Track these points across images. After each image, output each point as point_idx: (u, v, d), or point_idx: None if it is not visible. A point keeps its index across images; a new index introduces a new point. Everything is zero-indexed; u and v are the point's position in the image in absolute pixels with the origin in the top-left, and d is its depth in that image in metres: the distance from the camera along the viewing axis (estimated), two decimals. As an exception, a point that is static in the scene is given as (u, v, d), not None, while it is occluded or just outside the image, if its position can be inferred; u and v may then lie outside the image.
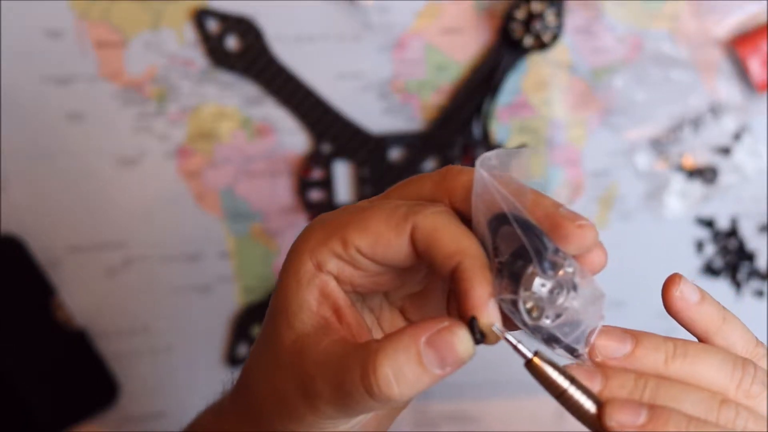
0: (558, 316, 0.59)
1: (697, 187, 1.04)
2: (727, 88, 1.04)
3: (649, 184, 1.04)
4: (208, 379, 1.03)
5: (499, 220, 0.59)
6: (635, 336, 0.60)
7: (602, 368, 0.60)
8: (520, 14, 1.01)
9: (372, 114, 1.03)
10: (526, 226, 0.58)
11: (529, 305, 0.58)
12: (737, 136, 1.04)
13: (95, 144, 1.02)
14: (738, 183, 1.04)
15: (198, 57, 1.02)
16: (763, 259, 1.04)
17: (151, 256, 1.03)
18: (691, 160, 1.04)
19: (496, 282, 0.58)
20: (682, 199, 1.04)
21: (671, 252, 1.05)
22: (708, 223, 1.05)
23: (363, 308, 0.67)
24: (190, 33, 1.02)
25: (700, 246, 1.05)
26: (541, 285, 0.58)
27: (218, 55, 1.02)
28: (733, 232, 1.05)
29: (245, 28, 1.02)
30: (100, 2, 1.01)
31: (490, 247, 0.59)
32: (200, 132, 1.02)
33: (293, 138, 1.03)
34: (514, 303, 0.58)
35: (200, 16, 1.01)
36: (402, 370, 0.58)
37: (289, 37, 1.02)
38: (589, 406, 0.58)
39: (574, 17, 1.03)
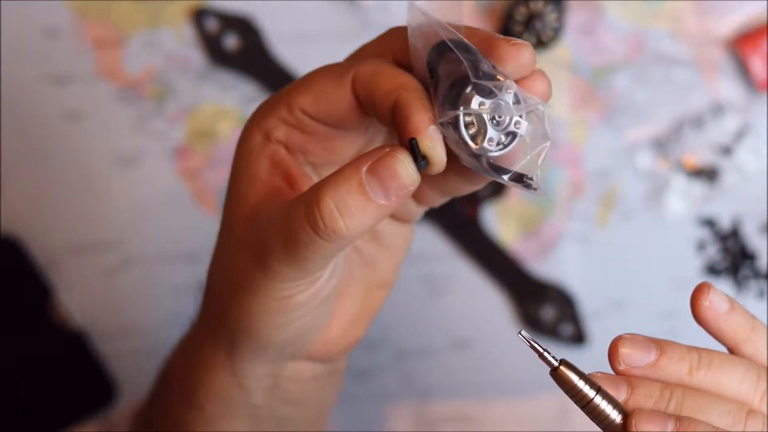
0: (504, 146, 0.57)
1: (698, 186, 1.04)
2: (728, 88, 1.03)
3: (650, 184, 1.04)
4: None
5: (438, 49, 0.58)
6: (659, 345, 0.59)
7: (627, 377, 0.58)
8: (520, 14, 1.00)
9: (372, 113, 1.03)
10: (464, 49, 0.57)
11: (468, 120, 0.57)
12: (739, 136, 1.03)
13: (94, 144, 1.02)
14: (739, 183, 1.04)
15: (197, 56, 1.02)
16: (764, 259, 1.04)
17: (150, 256, 1.02)
18: (692, 160, 1.04)
19: (437, 112, 0.57)
20: (683, 199, 1.04)
21: (672, 252, 1.04)
22: (709, 223, 1.04)
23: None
24: (189, 32, 1.01)
25: (701, 246, 1.05)
26: (479, 104, 0.57)
27: (217, 55, 1.01)
28: (734, 232, 1.04)
29: (244, 27, 1.02)
30: (98, 1, 1.01)
31: (431, 86, 0.58)
32: (199, 131, 1.02)
33: (293, 137, 1.03)
34: (456, 125, 0.57)
35: (199, 16, 1.01)
36: (344, 201, 0.57)
37: (288, 37, 1.02)
38: (615, 416, 0.57)
39: (574, 16, 1.02)
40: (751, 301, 1.04)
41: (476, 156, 0.58)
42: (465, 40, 0.58)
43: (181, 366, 0.73)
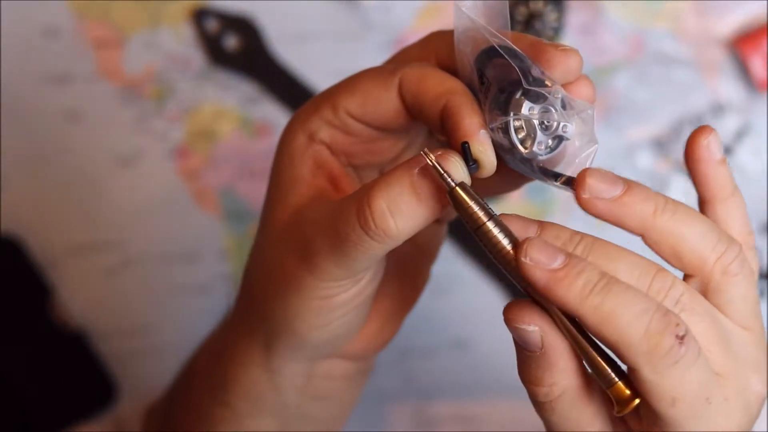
0: (551, 149, 0.58)
1: (698, 186, 1.04)
2: (728, 88, 1.03)
3: (650, 184, 1.03)
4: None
5: (487, 54, 0.59)
6: (627, 183, 0.59)
7: (539, 222, 0.58)
8: (520, 14, 1.00)
9: (372, 113, 1.03)
10: (513, 55, 0.58)
11: (518, 125, 0.57)
12: (739, 136, 1.03)
13: (94, 143, 1.02)
14: (739, 183, 1.03)
15: (197, 56, 1.02)
16: (764, 259, 1.04)
17: (150, 256, 1.02)
18: (692, 160, 1.04)
19: (486, 116, 0.58)
20: (683, 199, 1.04)
21: (672, 252, 1.04)
22: (709, 223, 1.04)
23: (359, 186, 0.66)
24: (188, 32, 1.02)
25: (701, 246, 1.04)
26: (529, 109, 0.57)
27: (217, 55, 1.01)
28: (734, 232, 1.04)
29: (244, 27, 1.02)
30: (98, 1, 1.01)
31: (478, 89, 0.59)
32: (199, 131, 1.02)
33: (293, 137, 1.03)
34: (505, 130, 0.57)
35: (199, 15, 1.01)
36: (396, 202, 0.57)
37: (288, 36, 1.02)
38: (506, 244, 0.56)
39: (574, 16, 1.02)
40: (751, 301, 1.04)
41: (526, 160, 0.58)
42: (513, 45, 0.58)
43: (211, 362, 0.73)
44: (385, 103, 0.61)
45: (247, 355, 0.68)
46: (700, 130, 0.61)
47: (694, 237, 0.59)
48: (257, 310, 0.66)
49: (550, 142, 0.58)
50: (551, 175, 0.59)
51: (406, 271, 0.69)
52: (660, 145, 1.04)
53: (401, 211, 0.57)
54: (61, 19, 1.01)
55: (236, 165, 1.03)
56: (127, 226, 1.02)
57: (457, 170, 0.57)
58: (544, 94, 0.58)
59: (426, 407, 1.05)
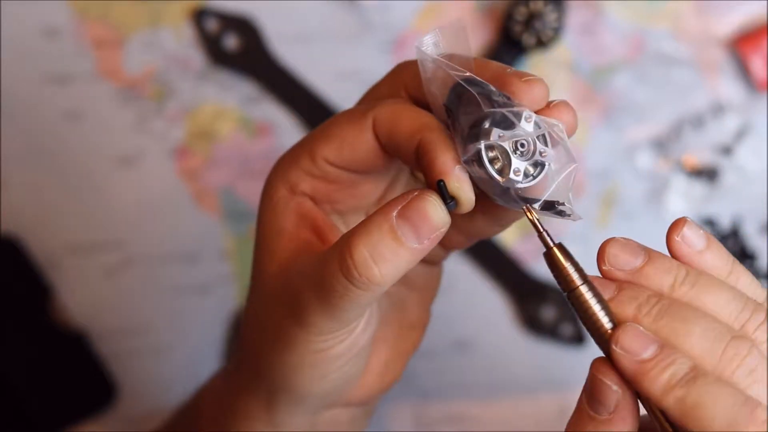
0: (533, 176, 0.57)
1: (698, 187, 1.04)
2: (728, 88, 1.03)
3: (650, 184, 1.04)
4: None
5: (456, 92, 0.58)
6: (648, 253, 0.58)
7: (619, 282, 0.57)
8: (520, 14, 1.00)
9: (372, 113, 1.03)
10: (477, 84, 0.57)
11: (492, 155, 0.57)
12: (739, 136, 1.03)
13: (93, 143, 1.02)
14: (739, 183, 1.04)
15: (197, 56, 1.02)
16: (764, 259, 1.04)
17: (150, 256, 1.02)
18: (692, 160, 1.04)
19: (461, 151, 0.57)
20: (683, 199, 1.04)
21: (672, 252, 1.04)
22: (709, 223, 1.04)
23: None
24: (188, 32, 1.01)
25: (701, 246, 1.04)
26: (499, 135, 0.57)
27: (217, 55, 1.01)
28: (734, 233, 1.04)
29: (244, 27, 1.02)
30: (98, 1, 1.01)
31: (451, 127, 0.59)
32: (199, 132, 1.02)
33: (293, 138, 1.03)
34: (479, 161, 0.57)
35: (199, 16, 1.01)
36: (377, 248, 0.57)
37: (288, 37, 1.02)
38: (605, 321, 0.56)
39: (574, 16, 1.02)
40: (751, 301, 1.04)
41: (505, 190, 0.58)
42: (476, 77, 0.58)
43: (215, 411, 0.73)
44: (361, 145, 0.61)
45: (249, 411, 0.68)
46: (672, 226, 0.59)
47: (715, 307, 0.57)
48: (255, 366, 0.66)
49: (530, 168, 0.57)
50: (531, 202, 0.58)
51: (404, 315, 0.68)
52: (660, 145, 1.04)
53: (383, 257, 0.57)
54: (61, 19, 1.00)
55: (236, 165, 1.03)
56: (127, 226, 1.02)
57: (435, 210, 0.57)
58: (513, 121, 0.57)
59: (426, 407, 1.05)
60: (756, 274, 1.05)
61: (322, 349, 0.62)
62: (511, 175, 0.57)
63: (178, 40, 1.02)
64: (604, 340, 0.56)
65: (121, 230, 1.02)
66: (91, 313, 1.02)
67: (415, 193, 0.57)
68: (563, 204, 0.58)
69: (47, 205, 1.02)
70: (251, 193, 1.03)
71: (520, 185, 0.57)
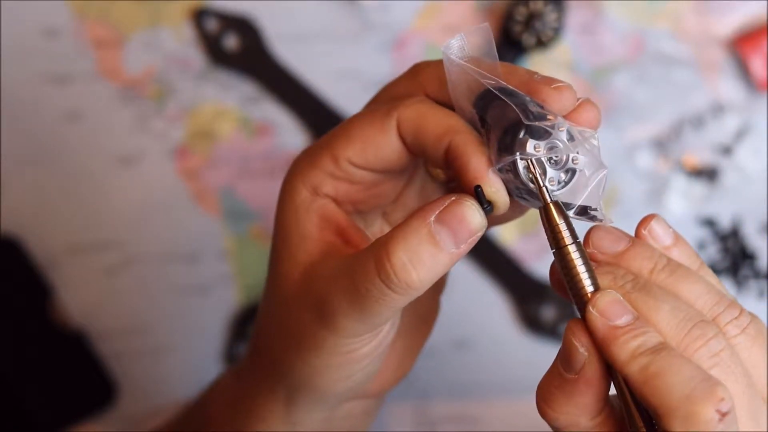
0: (565, 183, 0.58)
1: (698, 186, 1.04)
2: (728, 88, 1.03)
3: (650, 184, 1.04)
4: (207, 379, 1.03)
5: (484, 98, 0.59)
6: (632, 240, 0.59)
7: (600, 262, 0.58)
8: (520, 14, 1.00)
9: (372, 113, 1.03)
10: (509, 93, 0.58)
11: (526, 164, 0.58)
12: (739, 136, 1.03)
13: (93, 143, 1.02)
14: (739, 183, 1.04)
15: (197, 56, 1.02)
16: (764, 259, 1.04)
17: (150, 255, 1.02)
18: (692, 160, 1.04)
19: (493, 158, 0.58)
20: (683, 199, 1.04)
21: (672, 252, 1.04)
22: (709, 223, 1.04)
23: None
24: (188, 32, 1.01)
25: (701, 246, 1.04)
26: (534, 146, 0.57)
27: (217, 55, 1.01)
28: (734, 232, 1.04)
29: (244, 27, 1.02)
30: (98, 1, 1.01)
31: (481, 131, 0.59)
32: (199, 131, 1.02)
33: (293, 138, 1.03)
34: (514, 170, 0.58)
35: (199, 15, 1.01)
36: (417, 253, 0.57)
37: (288, 37, 1.02)
38: (587, 283, 0.57)
39: (574, 16, 1.02)
40: (751, 301, 1.04)
41: (532, 193, 0.58)
42: (507, 84, 0.58)
43: (227, 414, 0.72)
44: (386, 146, 0.61)
45: (267, 411, 0.68)
46: (641, 222, 0.60)
47: (690, 297, 0.58)
48: (276, 368, 0.66)
49: (562, 176, 0.58)
50: (566, 208, 0.58)
51: (415, 307, 0.68)
52: (660, 145, 1.04)
53: (422, 262, 0.57)
54: (60, 19, 1.00)
55: (236, 165, 1.03)
56: (127, 226, 1.02)
57: (473, 215, 0.57)
58: (548, 130, 0.57)
59: (426, 407, 1.05)
60: (756, 274, 1.05)
61: (349, 351, 0.62)
62: (546, 183, 0.58)
63: (178, 40, 1.02)
64: (582, 301, 0.56)
65: (121, 230, 1.02)
66: (91, 313, 1.02)
67: (453, 198, 0.57)
68: (595, 209, 0.59)
69: (47, 205, 1.02)
70: (251, 193, 1.03)
71: (555, 193, 0.58)
